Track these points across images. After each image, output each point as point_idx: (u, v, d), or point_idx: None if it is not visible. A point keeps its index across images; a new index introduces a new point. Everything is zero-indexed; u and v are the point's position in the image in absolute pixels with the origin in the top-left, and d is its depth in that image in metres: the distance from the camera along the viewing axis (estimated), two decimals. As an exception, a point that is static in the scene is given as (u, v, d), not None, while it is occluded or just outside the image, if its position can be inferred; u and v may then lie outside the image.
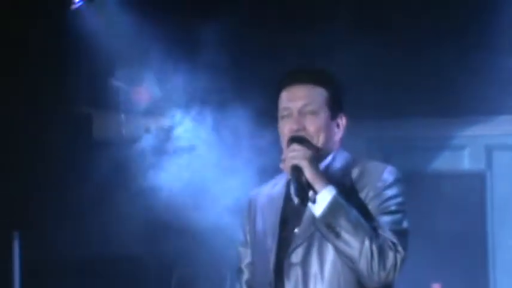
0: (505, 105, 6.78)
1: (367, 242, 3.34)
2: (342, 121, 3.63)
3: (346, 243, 3.35)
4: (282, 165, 3.49)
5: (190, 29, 6.69)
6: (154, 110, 7.15)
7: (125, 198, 6.86)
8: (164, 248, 6.96)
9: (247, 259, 3.76)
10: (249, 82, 6.55)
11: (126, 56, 6.74)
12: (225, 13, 6.55)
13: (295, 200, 3.48)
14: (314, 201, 3.40)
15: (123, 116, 7.11)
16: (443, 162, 6.96)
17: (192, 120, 6.92)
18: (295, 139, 3.51)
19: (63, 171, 6.64)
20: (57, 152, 6.65)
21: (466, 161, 7.15)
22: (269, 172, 3.91)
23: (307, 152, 3.44)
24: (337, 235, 3.35)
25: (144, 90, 7.02)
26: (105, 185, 6.79)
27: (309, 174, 3.40)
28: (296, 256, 3.48)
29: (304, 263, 3.47)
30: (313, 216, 3.42)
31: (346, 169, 3.57)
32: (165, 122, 7.17)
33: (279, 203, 3.62)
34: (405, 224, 3.45)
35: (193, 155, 6.91)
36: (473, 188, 6.98)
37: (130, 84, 6.99)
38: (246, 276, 3.78)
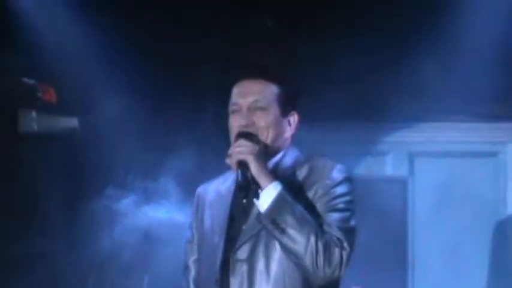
0: (428, 113, 6.81)
1: (312, 238, 3.31)
2: (294, 118, 3.61)
3: (291, 239, 3.32)
4: (228, 160, 3.45)
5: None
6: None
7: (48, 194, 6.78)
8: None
9: (193, 256, 3.73)
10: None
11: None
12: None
13: (241, 196, 3.47)
14: (258, 197, 3.37)
15: (33, 112, 6.98)
16: (366, 167, 7.00)
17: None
18: (243, 134, 3.49)
19: None
20: None
21: (389, 167, 7.20)
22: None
23: (254, 148, 3.42)
24: (283, 231, 3.33)
25: (51, 89, 6.87)
26: (24, 178, 6.69)
27: (254, 169, 3.38)
28: (242, 253, 3.45)
29: (251, 259, 3.44)
30: (259, 213, 3.39)
31: (296, 166, 3.56)
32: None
33: (228, 199, 3.60)
34: (352, 222, 3.44)
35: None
36: (395, 194, 6.96)
37: (40, 82, 6.83)
38: (192, 272, 3.72)
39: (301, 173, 3.53)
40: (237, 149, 3.42)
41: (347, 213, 3.43)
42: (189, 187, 5.98)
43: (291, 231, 3.31)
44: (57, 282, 6.87)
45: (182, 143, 6.73)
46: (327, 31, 6.72)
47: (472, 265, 6.91)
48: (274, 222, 3.33)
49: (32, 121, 6.95)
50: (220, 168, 3.74)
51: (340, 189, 3.45)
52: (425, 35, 6.46)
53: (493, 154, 6.97)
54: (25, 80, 6.75)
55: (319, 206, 3.44)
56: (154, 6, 6.61)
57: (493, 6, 6.13)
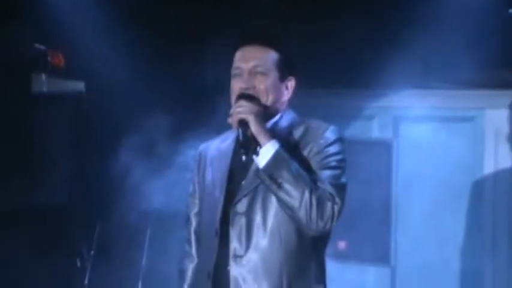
0: (411, 80, 6.78)
1: (307, 193, 3.42)
2: (291, 83, 3.72)
3: (287, 193, 3.44)
4: (229, 120, 3.57)
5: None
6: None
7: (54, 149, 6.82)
8: (90, 199, 6.99)
9: (195, 209, 3.86)
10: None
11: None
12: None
13: (241, 152, 3.59)
14: (258, 154, 3.49)
15: (44, 75, 6.99)
16: (354, 130, 7.05)
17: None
18: (244, 96, 3.60)
19: None
20: None
21: (375, 130, 7.25)
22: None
23: (254, 108, 3.53)
24: (279, 186, 3.44)
25: (60, 55, 6.87)
26: (35, 135, 6.76)
27: (254, 128, 3.49)
28: (241, 206, 3.57)
29: (249, 212, 3.56)
30: (258, 169, 3.51)
31: (292, 127, 3.67)
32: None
33: (228, 156, 3.72)
34: (343, 179, 3.57)
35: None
36: (381, 154, 7.07)
37: (49, 48, 6.82)
38: (193, 224, 3.86)
39: (297, 133, 3.65)
40: (238, 109, 3.53)
41: (339, 171, 3.57)
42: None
43: (287, 186, 3.43)
44: (66, 231, 6.88)
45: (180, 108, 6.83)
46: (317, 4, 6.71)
47: (449, 221, 6.89)
48: (271, 177, 3.45)
49: (42, 83, 6.94)
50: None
51: (333, 149, 3.59)
52: (410, 4, 6.42)
53: (471, 119, 6.93)
54: (36, 46, 6.72)
55: (313, 164, 3.56)
56: None
57: None
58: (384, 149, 7.11)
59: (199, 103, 7.04)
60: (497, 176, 6.83)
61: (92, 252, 7.01)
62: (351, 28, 6.61)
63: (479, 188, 6.89)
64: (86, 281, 6.95)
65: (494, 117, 6.85)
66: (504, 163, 6.84)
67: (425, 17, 6.43)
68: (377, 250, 7.04)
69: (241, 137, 3.53)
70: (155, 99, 7.02)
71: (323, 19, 6.70)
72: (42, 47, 6.79)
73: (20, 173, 6.56)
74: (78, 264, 7.00)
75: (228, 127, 3.67)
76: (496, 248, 6.81)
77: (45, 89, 7.00)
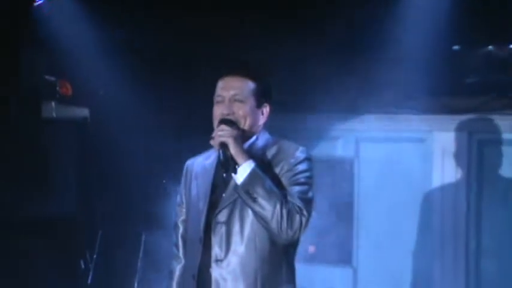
0: (371, 106, 6.80)
1: (278, 206, 3.43)
2: (266, 109, 3.73)
3: (261, 206, 3.45)
4: (211, 142, 3.58)
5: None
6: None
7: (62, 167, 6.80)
8: (93, 209, 6.94)
9: (182, 216, 3.85)
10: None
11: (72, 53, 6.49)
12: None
13: (222, 171, 3.57)
14: (236, 172, 3.50)
15: (53, 103, 6.95)
16: (321, 150, 6.96)
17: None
18: (224, 121, 3.60)
19: (12, 143, 6.46)
20: (12, 127, 6.48)
21: (339, 149, 7.20)
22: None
23: (233, 132, 3.54)
24: (254, 200, 3.46)
25: (67, 84, 6.86)
26: (45, 155, 6.71)
27: (233, 149, 3.50)
28: (222, 216, 3.58)
29: (228, 222, 3.57)
30: (236, 185, 3.53)
31: (266, 147, 3.67)
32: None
33: (211, 173, 3.72)
34: (310, 194, 3.58)
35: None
36: (344, 171, 7.04)
37: (57, 78, 6.81)
38: (180, 230, 3.85)
39: (270, 152, 3.64)
40: (220, 133, 3.54)
41: (306, 187, 3.57)
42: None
43: (261, 200, 3.45)
44: (72, 237, 6.86)
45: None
46: (290, 34, 6.47)
47: (404, 227, 6.87)
48: (247, 192, 3.47)
49: (51, 110, 6.90)
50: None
51: (302, 167, 3.59)
52: (376, 39, 6.32)
53: (422, 140, 6.91)
54: (47, 77, 6.70)
55: (284, 180, 3.56)
56: (157, 15, 6.44)
57: (430, 7, 6.01)
58: (347, 166, 7.09)
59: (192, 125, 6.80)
60: (443, 188, 6.81)
61: (95, 256, 6.97)
62: (316, 60, 6.60)
63: (429, 199, 6.86)
64: (89, 281, 6.92)
65: (441, 138, 6.83)
66: (450, 178, 6.81)
67: (383, 52, 6.38)
68: (341, 253, 7.04)
69: (221, 157, 3.53)
70: (152, 122, 6.91)
71: (300, 51, 6.62)
72: (52, 78, 6.75)
73: (33, 187, 6.51)
74: (82, 266, 6.96)
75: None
76: (444, 250, 6.81)
77: (54, 114, 6.96)
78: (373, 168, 7.07)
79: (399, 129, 6.96)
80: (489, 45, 6.51)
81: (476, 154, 6.76)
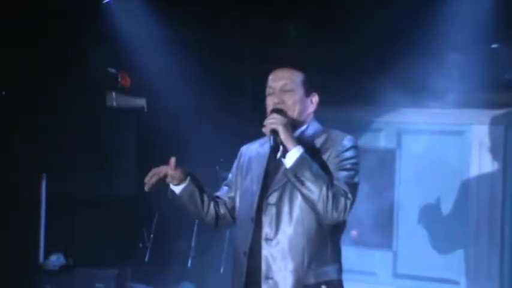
0: (412, 100, 6.82)
1: (324, 189, 3.49)
2: (315, 98, 3.78)
3: (308, 189, 3.51)
4: (263, 129, 3.64)
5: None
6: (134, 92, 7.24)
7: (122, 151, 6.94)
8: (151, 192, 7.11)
9: (229, 193, 3.97)
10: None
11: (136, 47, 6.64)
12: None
13: (273, 155, 3.66)
14: (285, 157, 3.56)
15: (113, 93, 7.23)
16: (366, 141, 7.06)
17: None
18: (275, 110, 3.68)
19: (79, 130, 6.68)
20: (80, 114, 6.69)
21: (382, 140, 7.29)
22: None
23: (283, 119, 3.60)
24: (302, 183, 3.52)
25: (127, 76, 7.07)
26: (107, 140, 6.89)
27: (283, 135, 3.57)
28: (272, 198, 3.67)
29: (278, 204, 3.65)
30: (285, 169, 3.59)
31: (316, 135, 3.74)
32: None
33: (264, 159, 3.80)
34: (356, 179, 3.64)
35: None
36: (386, 161, 7.14)
37: (119, 71, 7.02)
38: (226, 200, 3.95)
39: (319, 141, 3.70)
40: (271, 120, 3.61)
41: (352, 172, 3.62)
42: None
43: (308, 183, 3.50)
44: (131, 218, 7.07)
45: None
46: (335, 33, 6.70)
47: (442, 214, 6.91)
48: (296, 176, 3.52)
49: (113, 99, 7.17)
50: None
51: (348, 154, 3.64)
52: (419, 34, 6.31)
53: (461, 133, 6.94)
54: (109, 69, 6.90)
55: (332, 166, 3.60)
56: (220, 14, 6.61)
57: (470, 3, 6.06)
58: (389, 156, 7.17)
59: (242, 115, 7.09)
60: (480, 179, 6.85)
61: (152, 236, 7.16)
62: (364, 58, 6.74)
63: (466, 189, 6.91)
64: (146, 259, 7.11)
65: (479, 131, 6.88)
66: (486, 169, 6.85)
67: (425, 47, 6.44)
68: (382, 238, 7.14)
69: (272, 143, 3.59)
70: (203, 112, 7.07)
71: (343, 51, 6.73)
72: (114, 70, 6.96)
73: (97, 170, 6.75)
74: (140, 245, 7.16)
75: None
76: (479, 238, 6.87)
77: (115, 103, 7.22)
78: (414, 159, 7.09)
79: (439, 123, 7.01)
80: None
81: (512, 146, 6.74)
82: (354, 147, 3.70)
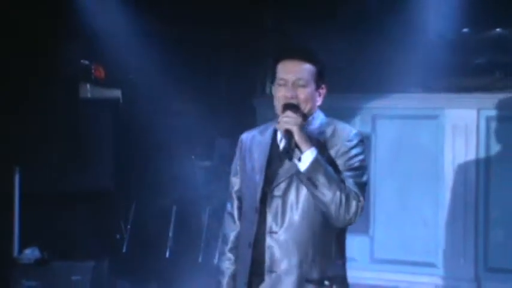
0: (387, 85, 6.86)
1: (337, 193, 3.43)
2: (323, 91, 3.69)
3: (321, 193, 3.45)
4: (277, 126, 3.57)
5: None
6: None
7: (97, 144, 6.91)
8: (127, 183, 7.05)
9: (236, 186, 3.83)
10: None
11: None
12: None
13: (283, 154, 3.55)
14: (299, 160, 3.46)
15: (88, 85, 7.18)
16: None
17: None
18: (289, 106, 3.55)
19: (54, 122, 6.62)
20: (53, 106, 6.62)
21: (357, 126, 6.78)
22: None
23: (298, 120, 3.49)
24: (316, 187, 3.45)
25: (101, 68, 7.05)
26: (82, 132, 6.85)
27: (297, 137, 3.47)
28: (278, 190, 3.58)
29: (284, 196, 3.57)
30: (298, 171, 3.48)
31: (322, 127, 3.64)
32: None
33: (267, 148, 3.69)
34: (365, 178, 3.57)
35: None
36: None
37: (92, 62, 6.98)
38: (235, 200, 3.82)
39: (326, 133, 3.60)
40: (286, 119, 3.48)
41: (361, 171, 3.55)
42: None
43: (322, 187, 3.43)
44: (109, 210, 7.02)
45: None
46: (308, 19, 6.70)
47: (417, 199, 6.98)
48: (310, 179, 3.44)
49: (87, 91, 7.12)
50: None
51: (356, 150, 3.57)
52: (390, 21, 6.39)
53: (434, 117, 6.96)
54: (82, 61, 6.86)
55: (340, 162, 3.53)
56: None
57: None
58: (364, 141, 7.13)
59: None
60: (454, 162, 6.90)
61: (129, 226, 7.14)
62: (340, 43, 6.70)
63: (440, 172, 6.95)
64: (124, 250, 7.09)
65: (452, 115, 6.92)
66: (460, 152, 6.90)
67: (397, 33, 6.49)
68: (359, 223, 7.08)
69: (286, 144, 3.48)
70: (178, 102, 7.06)
71: (321, 34, 6.61)
72: (87, 62, 6.92)
73: (73, 163, 6.67)
74: (118, 236, 7.14)
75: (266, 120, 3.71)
76: (454, 221, 6.90)
77: (89, 95, 7.16)
78: (389, 144, 7.12)
79: (413, 107, 7.03)
80: (497, 27, 6.66)
81: (485, 130, 6.82)
82: (361, 141, 3.64)
